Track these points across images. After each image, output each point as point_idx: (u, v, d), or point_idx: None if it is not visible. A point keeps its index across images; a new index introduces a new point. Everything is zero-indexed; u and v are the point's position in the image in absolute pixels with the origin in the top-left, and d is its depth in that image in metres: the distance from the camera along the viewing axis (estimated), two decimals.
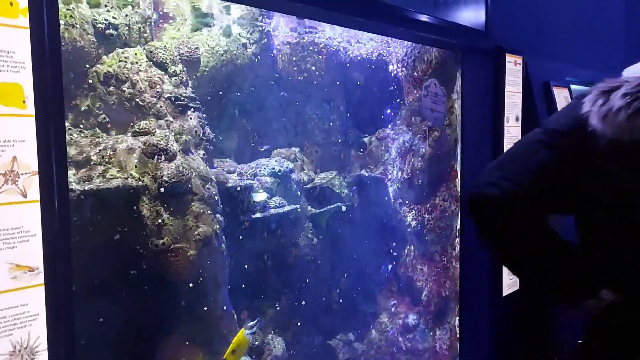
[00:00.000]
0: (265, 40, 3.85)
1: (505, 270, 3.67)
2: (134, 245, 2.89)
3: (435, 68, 4.02)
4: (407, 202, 4.31)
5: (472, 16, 3.28)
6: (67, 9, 2.97)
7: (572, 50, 4.56)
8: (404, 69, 4.23)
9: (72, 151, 2.94)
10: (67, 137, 2.96)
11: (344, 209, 4.13)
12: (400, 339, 4.22)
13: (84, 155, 2.97)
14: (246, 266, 3.52)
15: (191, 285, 3.01)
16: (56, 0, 1.56)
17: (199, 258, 3.02)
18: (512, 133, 3.66)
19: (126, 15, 3.23)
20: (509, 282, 3.73)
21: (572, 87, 4.20)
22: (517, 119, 3.72)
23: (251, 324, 3.13)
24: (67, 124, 3.03)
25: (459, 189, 3.89)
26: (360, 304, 4.20)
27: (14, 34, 1.45)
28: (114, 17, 3.17)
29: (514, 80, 3.67)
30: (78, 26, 3.03)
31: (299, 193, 3.93)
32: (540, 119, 3.82)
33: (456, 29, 3.22)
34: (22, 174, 1.46)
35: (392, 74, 4.31)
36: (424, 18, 2.93)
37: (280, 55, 4.04)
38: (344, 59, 4.23)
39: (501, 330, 3.75)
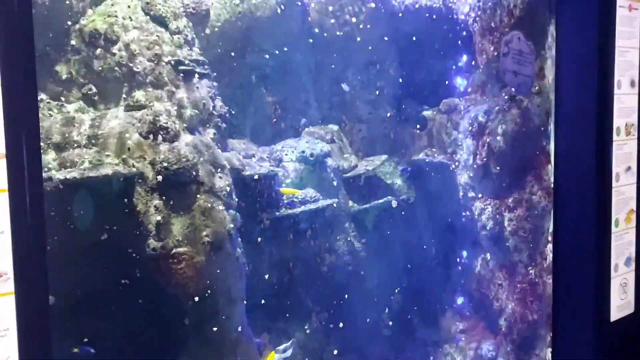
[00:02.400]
0: None
1: (615, 287, 3.62)
2: (126, 249, 3.01)
3: (520, 17, 3.97)
4: (481, 195, 4.30)
5: None
6: None
7: None
8: (477, 19, 4.20)
9: (51, 130, 3.09)
10: (44, 113, 3.13)
11: (395, 204, 4.15)
12: None
13: (66, 135, 3.11)
14: (267, 276, 3.60)
15: (197, 299, 3.10)
16: None
17: (207, 266, 3.11)
18: (625, 103, 3.59)
19: None
20: (620, 304, 3.68)
21: None
22: (632, 84, 3.64)
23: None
24: (43, 96, 3.18)
25: (552, 179, 3.85)
26: (417, 329, 4.23)
27: None
28: None
29: (629, 31, 3.59)
30: None
31: (336, 184, 3.98)
32: None
33: None
34: None
35: (461, 26, 4.28)
36: None
37: (312, 4, 4.09)
38: (396, 7, 4.24)
39: None
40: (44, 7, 3.13)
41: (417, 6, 4.31)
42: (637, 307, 3.82)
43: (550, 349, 3.85)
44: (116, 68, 3.31)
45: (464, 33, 4.31)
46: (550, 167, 3.84)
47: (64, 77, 3.29)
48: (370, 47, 4.19)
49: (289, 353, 3.20)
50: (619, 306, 3.74)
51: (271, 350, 3.44)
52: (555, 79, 3.74)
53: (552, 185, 3.84)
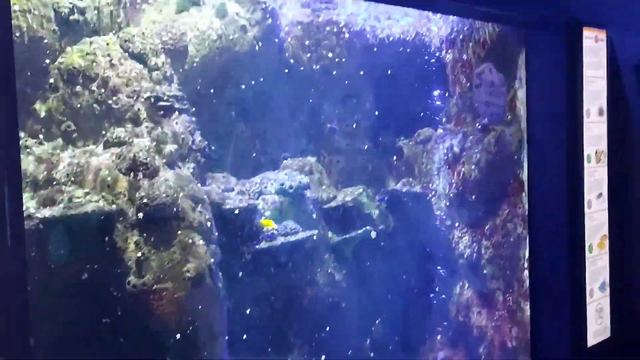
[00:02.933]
0: (270, 20, 3.96)
1: (591, 312, 3.66)
2: (107, 286, 2.99)
3: (491, 50, 4.06)
4: (458, 224, 4.34)
5: None
6: None
7: None
8: (449, 52, 4.28)
9: (29, 168, 3.08)
10: (23, 152, 3.11)
11: (374, 235, 4.17)
12: None
13: (45, 173, 3.11)
14: (248, 311, 3.58)
15: (179, 336, 3.08)
16: None
17: (189, 301, 3.10)
18: (594, 131, 3.66)
19: None
20: (597, 329, 3.72)
21: None
22: (600, 112, 3.72)
23: None
24: (21, 134, 3.18)
25: (526, 206, 3.90)
26: (399, 359, 4.22)
27: None
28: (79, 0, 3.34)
29: (596, 61, 3.68)
30: (35, 12, 3.19)
31: (315, 215, 4.00)
32: (633, 113, 3.82)
33: None
34: None
35: (435, 58, 4.36)
36: None
37: (289, 39, 4.15)
38: (371, 41, 4.31)
39: None
40: (22, 46, 3.14)
41: (391, 39, 4.39)
42: (612, 332, 3.86)
43: None
44: (95, 105, 3.33)
45: (438, 65, 4.40)
46: (524, 195, 3.90)
47: (43, 115, 3.30)
48: (346, 81, 4.25)
49: None
50: (595, 331, 3.78)
51: None
52: (526, 108, 3.82)
53: (526, 213, 3.89)
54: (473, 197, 4.25)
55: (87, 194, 3.11)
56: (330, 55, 4.21)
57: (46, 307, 2.67)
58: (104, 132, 3.32)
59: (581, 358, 3.70)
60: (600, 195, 3.74)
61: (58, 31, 3.31)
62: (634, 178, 3.82)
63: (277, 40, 4.07)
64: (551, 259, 3.73)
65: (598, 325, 3.75)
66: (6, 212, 1.63)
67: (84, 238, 2.97)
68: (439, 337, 4.43)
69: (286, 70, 4.11)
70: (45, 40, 3.25)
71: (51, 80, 3.31)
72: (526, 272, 3.92)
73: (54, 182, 3.11)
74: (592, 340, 3.70)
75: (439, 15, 4.26)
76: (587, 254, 3.64)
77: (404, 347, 4.33)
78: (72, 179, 3.14)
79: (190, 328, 3.11)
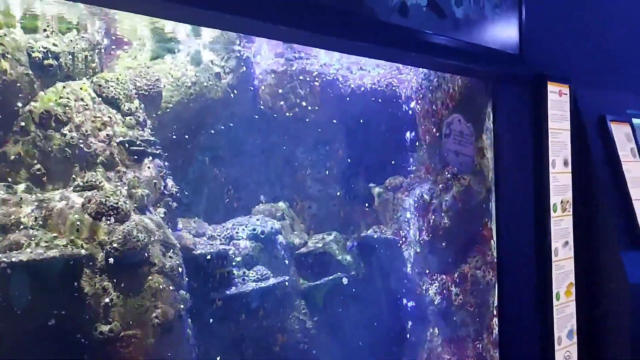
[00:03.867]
0: (244, 68, 4.02)
1: (559, 357, 3.68)
2: (73, 333, 2.92)
3: (460, 101, 4.15)
4: (428, 271, 4.36)
5: (503, 36, 3.43)
6: None
7: (633, 75, 4.69)
8: (419, 102, 4.37)
9: None
10: None
11: (346, 281, 4.16)
12: None
13: (12, 217, 3.05)
14: (218, 359, 3.52)
15: None
16: None
17: (157, 348, 3.04)
18: (560, 181, 3.74)
19: (70, 41, 3.40)
20: None
21: (635, 121, 4.31)
22: (565, 163, 3.80)
23: None
24: None
25: (495, 254, 3.94)
26: None
27: None
28: (54, 44, 3.34)
29: (560, 114, 3.77)
30: (9, 56, 3.18)
31: (287, 261, 3.98)
32: (597, 163, 3.92)
33: (484, 53, 3.35)
34: None
35: (405, 108, 4.45)
36: (441, 40, 3.07)
37: (262, 87, 4.20)
38: (343, 90, 4.39)
39: None
40: None
41: (362, 89, 4.47)
42: None
43: None
44: (66, 149, 3.30)
45: (408, 114, 4.48)
46: (493, 243, 3.93)
47: (12, 157, 3.25)
48: (319, 128, 4.30)
49: None
50: None
51: None
52: (494, 158, 3.88)
53: (495, 260, 3.92)
54: (443, 244, 4.28)
55: (55, 237, 3.06)
56: (303, 103, 4.27)
57: (12, 354, 2.59)
58: (74, 176, 3.27)
59: None
60: (566, 243, 3.79)
61: (31, 75, 3.29)
62: (599, 227, 3.89)
63: (251, 88, 4.11)
64: (520, 306, 3.75)
65: None
66: None
67: (51, 283, 2.91)
68: None
69: (259, 117, 4.15)
70: (18, 84, 3.23)
71: (22, 124, 3.28)
72: (495, 320, 3.93)
73: (21, 226, 3.05)
74: None
75: (409, 67, 4.35)
76: (555, 302, 3.67)
77: None
78: (40, 222, 3.09)
79: None
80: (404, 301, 4.44)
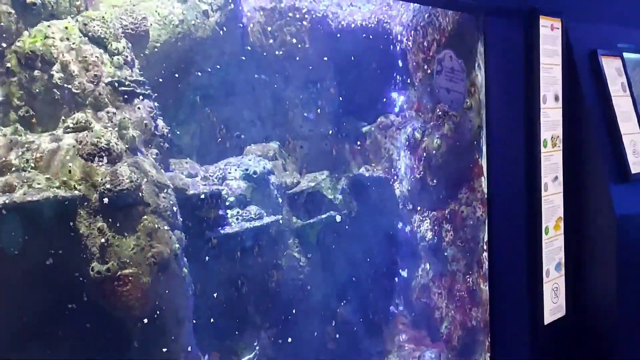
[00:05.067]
0: (232, 5, 3.93)
1: (547, 292, 3.76)
2: (71, 273, 2.95)
3: (451, 36, 4.11)
4: (419, 208, 4.40)
5: None
6: None
7: (624, 8, 4.65)
8: (410, 38, 4.32)
9: None
10: None
11: (338, 219, 4.20)
12: None
13: (3, 159, 3.03)
14: (215, 295, 3.57)
15: (146, 321, 3.06)
16: None
17: (154, 287, 3.08)
18: (551, 116, 3.75)
19: None
20: (552, 307, 3.82)
21: (626, 55, 4.30)
22: (556, 99, 3.81)
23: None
24: None
25: (485, 190, 3.98)
26: (362, 340, 4.27)
27: None
28: None
29: (552, 49, 3.76)
30: None
31: (280, 200, 4.00)
32: (588, 98, 3.93)
33: None
34: None
35: (396, 45, 4.40)
36: None
37: (251, 25, 4.12)
38: (333, 27, 4.33)
39: None
40: None
41: (353, 26, 4.40)
42: (567, 310, 3.97)
43: (488, 354, 3.95)
44: (54, 90, 3.25)
45: (399, 51, 4.43)
46: (484, 179, 3.97)
47: (0, 99, 3.20)
48: (310, 67, 4.25)
49: None
50: (551, 310, 3.88)
51: None
52: (485, 95, 3.87)
53: (485, 197, 3.96)
54: (434, 181, 4.32)
55: (47, 179, 3.05)
56: (293, 40, 4.21)
57: (10, 294, 2.62)
58: (63, 118, 3.24)
59: (538, 336, 3.80)
60: (556, 178, 3.84)
61: (14, 14, 3.21)
62: (588, 162, 3.93)
63: (240, 25, 4.04)
64: (509, 241, 3.82)
65: (554, 304, 3.85)
66: None
67: (47, 224, 2.92)
68: (401, 317, 4.50)
69: (249, 56, 4.09)
70: (1, 23, 3.16)
71: (8, 65, 3.23)
72: (485, 254, 4.00)
73: (13, 168, 3.04)
74: (548, 318, 3.81)
75: (400, 2, 4.28)
76: (544, 236, 3.74)
77: (368, 328, 4.38)
78: (32, 165, 3.07)
79: (157, 313, 3.09)
80: (396, 238, 4.50)
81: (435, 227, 4.32)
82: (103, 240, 3.03)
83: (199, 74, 3.84)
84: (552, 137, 3.79)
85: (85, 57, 3.33)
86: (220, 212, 3.67)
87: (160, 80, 3.68)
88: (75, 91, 3.27)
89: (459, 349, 4.29)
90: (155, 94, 3.52)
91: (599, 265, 3.92)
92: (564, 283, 3.91)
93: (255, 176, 3.89)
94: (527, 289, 3.79)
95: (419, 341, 4.42)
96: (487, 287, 3.93)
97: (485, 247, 4.00)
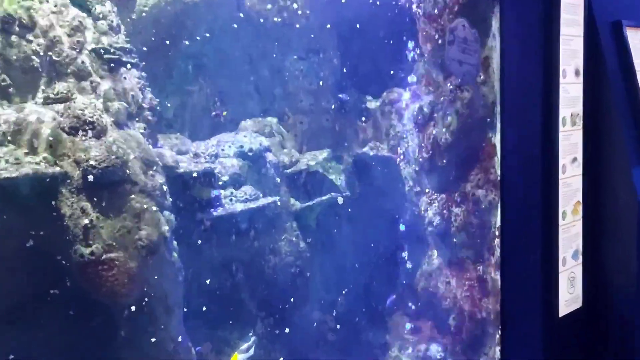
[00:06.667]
0: None
1: (563, 281, 3.79)
2: (52, 256, 2.96)
3: (464, 4, 4.09)
4: (427, 190, 4.41)
5: None
6: None
7: None
8: (421, 5, 4.30)
9: None
10: None
11: (340, 201, 4.21)
12: None
13: None
14: (207, 281, 3.59)
15: (133, 308, 3.08)
16: None
17: (142, 272, 3.09)
18: (571, 92, 3.75)
19: None
20: (569, 298, 3.85)
21: None
22: (577, 73, 3.80)
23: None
24: None
25: (498, 171, 3.99)
26: (364, 331, 4.30)
27: None
28: None
29: (573, 19, 3.74)
30: None
31: (277, 180, 4.00)
32: (610, 73, 3.93)
33: None
34: None
35: (405, 13, 4.37)
36: None
37: None
38: None
39: None
40: None
41: None
42: (584, 301, 3.99)
43: (499, 347, 3.98)
44: (33, 57, 3.22)
45: (408, 19, 4.40)
46: (497, 160, 3.97)
47: None
48: (311, 35, 4.22)
49: (251, 352, 3.27)
50: (567, 300, 3.90)
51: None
52: (500, 68, 3.86)
53: (498, 179, 3.97)
54: (443, 161, 4.31)
55: (26, 154, 3.03)
56: (294, 6, 4.17)
57: None
58: (43, 87, 3.21)
59: (553, 328, 3.83)
60: (575, 159, 3.84)
61: None
62: (610, 142, 3.93)
63: None
64: (523, 226, 3.83)
65: (570, 295, 3.88)
66: None
67: (26, 203, 2.92)
68: (406, 308, 4.53)
69: (245, 22, 4.06)
70: None
71: None
72: (497, 241, 4.02)
73: None
74: (564, 309, 3.84)
75: None
76: (561, 221, 3.75)
77: (370, 318, 4.40)
78: (9, 138, 3.05)
79: (145, 300, 3.11)
80: (401, 222, 4.51)
81: (444, 211, 4.33)
82: (87, 221, 3.03)
83: (190, 41, 3.81)
84: (571, 115, 3.78)
85: (67, 21, 3.30)
86: (213, 192, 3.68)
87: (149, 47, 3.65)
88: (56, 59, 3.25)
89: (467, 342, 4.33)
90: (143, 63, 3.50)
91: (620, 253, 3.94)
92: (581, 272, 3.93)
93: (250, 154, 3.89)
94: (542, 278, 3.81)
95: (425, 333, 4.45)
96: (499, 276, 3.96)
97: (497, 233, 4.02)
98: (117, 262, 3.05)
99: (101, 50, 3.35)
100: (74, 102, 3.17)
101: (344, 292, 4.21)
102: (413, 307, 4.51)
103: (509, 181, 3.88)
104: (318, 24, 4.25)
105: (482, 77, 4.12)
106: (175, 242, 3.31)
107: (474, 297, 4.25)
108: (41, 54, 3.23)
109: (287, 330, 3.87)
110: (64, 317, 2.95)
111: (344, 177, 4.28)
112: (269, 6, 4.14)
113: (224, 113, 4.13)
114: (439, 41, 4.23)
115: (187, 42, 3.79)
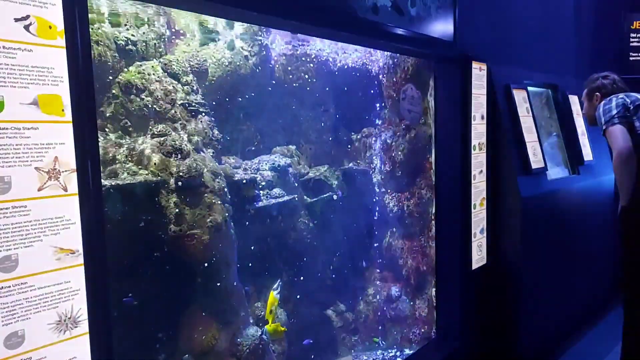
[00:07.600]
0: (264, 52, 3.90)
1: (474, 248, 3.76)
2: (156, 232, 2.96)
3: (412, 74, 4.09)
4: (389, 190, 4.39)
5: (442, 29, 3.35)
6: (93, 29, 3.00)
7: (528, 56, 4.64)
8: (384, 75, 4.29)
9: (100, 152, 2.98)
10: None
11: (334, 197, 4.19)
12: (385, 308, 4.32)
13: (110, 154, 3.01)
14: (252, 248, 3.58)
15: (206, 265, 3.09)
16: (87, 23, 1.60)
17: (211, 242, 3.09)
18: (478, 129, 3.74)
19: (143, 33, 3.27)
20: (477, 258, 3.82)
21: (530, 88, 4.29)
22: (482, 117, 3.80)
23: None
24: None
25: (433, 179, 3.97)
26: (350, 279, 4.28)
27: (53, 53, 1.50)
28: (132, 35, 3.21)
29: (479, 84, 3.74)
30: (103, 43, 3.07)
31: (296, 184, 3.99)
32: (503, 117, 3.91)
33: (429, 41, 3.29)
34: (62, 172, 1.51)
35: (375, 80, 4.37)
36: (400, 32, 3.00)
37: (277, 65, 4.09)
38: (332, 67, 4.29)
39: (471, 299, 3.85)
40: (94, 67, 3.00)
41: (345, 67, 4.37)
42: (488, 260, 3.98)
43: (434, 289, 3.96)
44: (144, 108, 3.22)
45: (377, 85, 4.40)
46: (432, 172, 3.96)
47: (108, 114, 3.18)
48: (317, 94, 4.22)
49: (279, 289, 3.29)
50: (477, 260, 3.89)
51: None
52: (434, 114, 3.86)
53: (434, 183, 3.95)
54: (399, 172, 4.30)
55: (139, 168, 3.03)
56: (305, 76, 4.17)
57: (116, 246, 2.62)
58: (150, 127, 3.21)
59: (467, 277, 3.81)
60: (481, 171, 3.83)
61: (118, 57, 3.18)
62: (502, 160, 3.93)
63: (269, 65, 4.00)
64: (449, 213, 3.82)
65: (478, 256, 3.86)
66: (90, 181, 1.59)
67: (139, 199, 2.91)
68: (377, 265, 4.50)
69: (275, 87, 4.06)
70: (109, 63, 3.13)
71: (113, 91, 3.19)
72: (433, 222, 4.00)
73: (117, 161, 3.02)
74: (474, 265, 3.82)
75: (378, 51, 4.26)
76: (473, 210, 3.73)
77: (354, 271, 4.38)
78: (129, 159, 3.05)
79: (213, 260, 3.10)
80: (374, 211, 4.49)
81: (400, 203, 4.31)
82: (177, 210, 3.02)
83: (241, 98, 3.81)
84: (479, 144, 3.78)
85: (165, 86, 3.30)
86: (255, 192, 3.67)
87: (216, 102, 3.66)
88: (158, 110, 3.25)
89: (415, 286, 4.30)
90: (212, 112, 3.50)
91: (509, 231, 3.93)
92: (485, 242, 3.91)
93: (279, 168, 3.88)
94: (460, 245, 3.80)
95: (389, 280, 4.42)
96: (434, 245, 3.94)
97: (433, 218, 4.00)
98: (196, 236, 3.04)
99: (186, 104, 3.35)
100: (169, 137, 3.16)
101: (337, 254, 4.18)
102: (381, 263, 4.48)
103: (440, 185, 3.87)
104: (321, 86, 4.24)
105: (423, 120, 4.12)
106: (232, 224, 3.29)
107: (418, 258, 4.23)
108: (149, 106, 3.23)
109: (301, 278, 3.84)
110: (163, 271, 2.95)
111: (337, 182, 4.25)
112: (290, 76, 4.13)
113: (258, 145, 4.11)
114: (396, 98, 4.22)
115: (240, 99, 3.78)
